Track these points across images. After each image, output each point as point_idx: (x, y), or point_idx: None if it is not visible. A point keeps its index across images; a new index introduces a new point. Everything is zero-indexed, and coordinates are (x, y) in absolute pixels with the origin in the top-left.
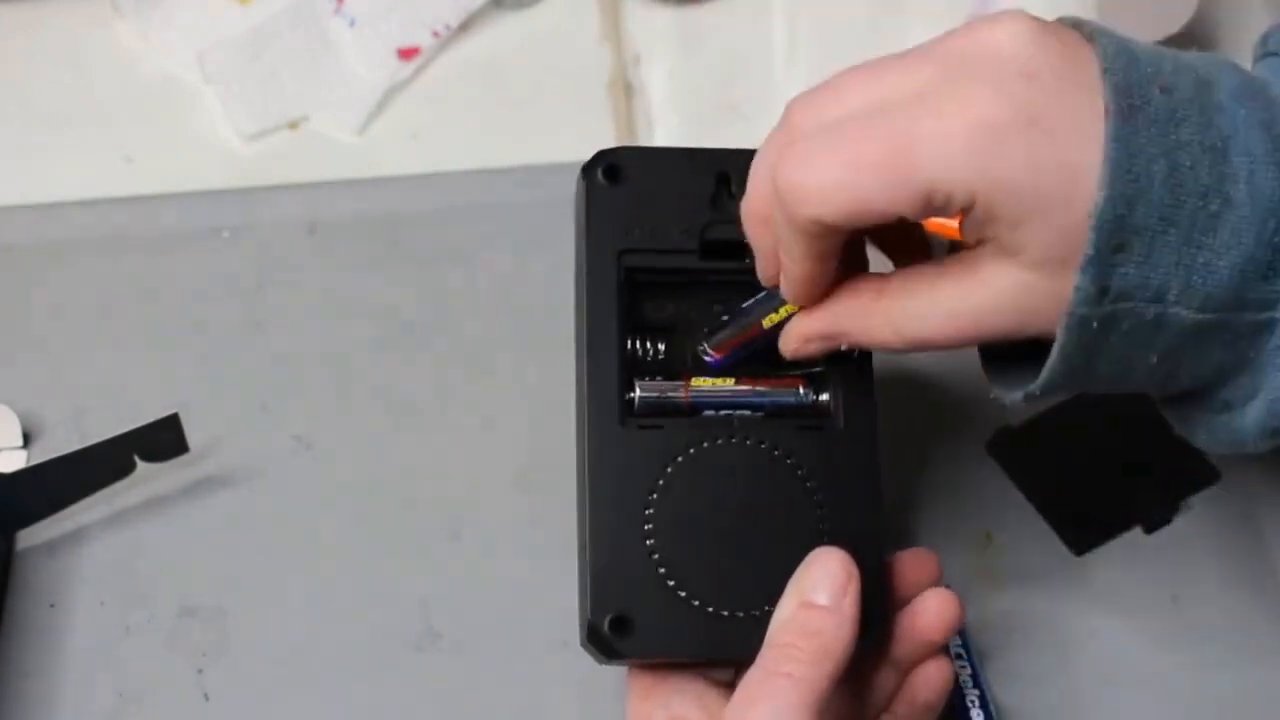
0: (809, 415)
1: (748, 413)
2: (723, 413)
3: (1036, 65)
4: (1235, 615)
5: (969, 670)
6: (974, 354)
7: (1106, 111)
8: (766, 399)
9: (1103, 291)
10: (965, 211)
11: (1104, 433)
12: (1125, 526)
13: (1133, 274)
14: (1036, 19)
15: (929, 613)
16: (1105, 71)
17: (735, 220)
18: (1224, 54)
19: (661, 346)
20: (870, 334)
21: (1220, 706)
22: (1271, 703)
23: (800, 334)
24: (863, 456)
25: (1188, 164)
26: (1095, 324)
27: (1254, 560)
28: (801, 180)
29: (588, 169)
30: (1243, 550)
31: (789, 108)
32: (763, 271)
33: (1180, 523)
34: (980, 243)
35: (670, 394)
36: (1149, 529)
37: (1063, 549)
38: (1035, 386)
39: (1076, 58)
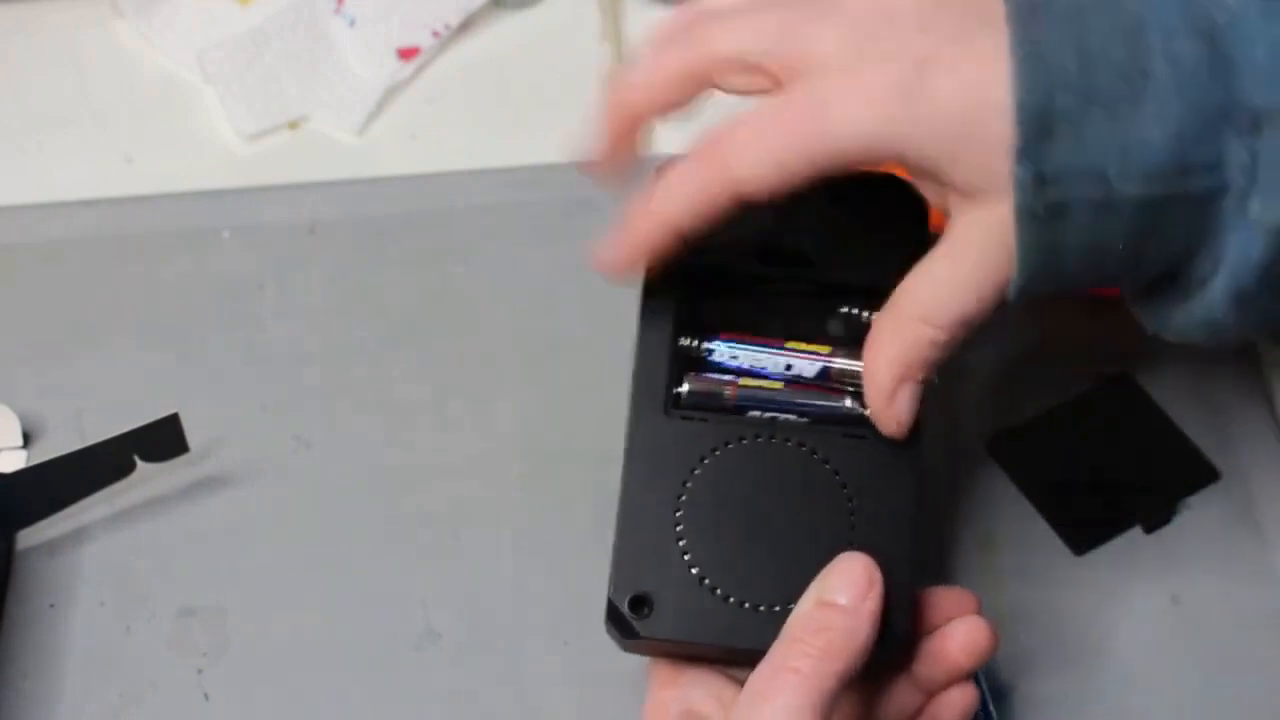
0: (855, 425)
1: (793, 417)
2: (768, 415)
3: (932, 17)
4: (1235, 615)
5: None
6: (971, 354)
7: (1008, 19)
8: (813, 405)
9: (1040, 179)
10: (910, 170)
11: (1104, 433)
12: (1125, 526)
13: (1065, 156)
14: None
15: (957, 639)
16: None
17: (798, 231)
18: None
19: (713, 346)
20: (920, 341)
21: (1220, 706)
22: (1272, 703)
23: (879, 393)
24: (904, 472)
25: (1098, 47)
26: (1042, 212)
27: (1254, 560)
28: (738, 165)
29: (661, 170)
30: (1243, 550)
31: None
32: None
33: (1180, 523)
34: (948, 212)
35: (717, 390)
36: (1149, 529)
37: (1063, 549)
38: (1012, 289)
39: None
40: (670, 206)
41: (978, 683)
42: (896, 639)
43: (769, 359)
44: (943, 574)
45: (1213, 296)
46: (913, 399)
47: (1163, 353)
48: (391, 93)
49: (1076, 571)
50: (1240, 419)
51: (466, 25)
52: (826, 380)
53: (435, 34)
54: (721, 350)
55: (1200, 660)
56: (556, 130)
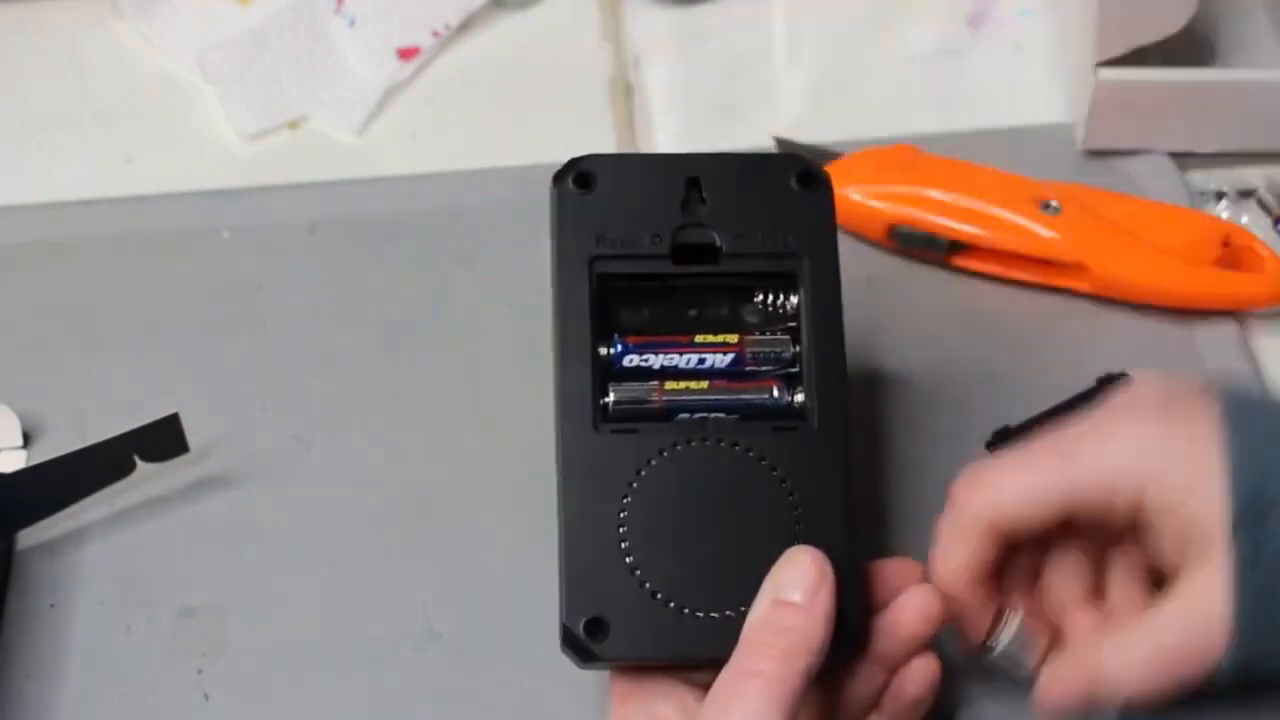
0: (784, 417)
1: (722, 415)
2: (697, 415)
3: (1168, 398)
4: None
5: None
6: (971, 354)
7: (1221, 415)
8: (740, 400)
9: (1255, 559)
10: (1137, 513)
11: None
12: None
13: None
14: (1165, 374)
15: (911, 609)
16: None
17: (706, 224)
18: (1223, 53)
19: (623, 352)
20: (1116, 669)
21: (1221, 707)
22: (1273, 704)
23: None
24: (836, 458)
25: None
26: (1255, 589)
27: None
28: (981, 494)
29: (559, 177)
30: None
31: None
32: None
33: None
34: (1176, 572)
35: (644, 397)
36: None
37: None
38: (1224, 665)
39: (1197, 397)
40: (954, 555)
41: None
42: (851, 628)
43: (680, 358)
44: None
45: None
46: (1081, 705)
47: (1163, 353)
48: (391, 93)
49: None
50: None
51: (466, 25)
52: (741, 367)
53: (435, 34)
54: (632, 356)
55: None
56: (556, 130)
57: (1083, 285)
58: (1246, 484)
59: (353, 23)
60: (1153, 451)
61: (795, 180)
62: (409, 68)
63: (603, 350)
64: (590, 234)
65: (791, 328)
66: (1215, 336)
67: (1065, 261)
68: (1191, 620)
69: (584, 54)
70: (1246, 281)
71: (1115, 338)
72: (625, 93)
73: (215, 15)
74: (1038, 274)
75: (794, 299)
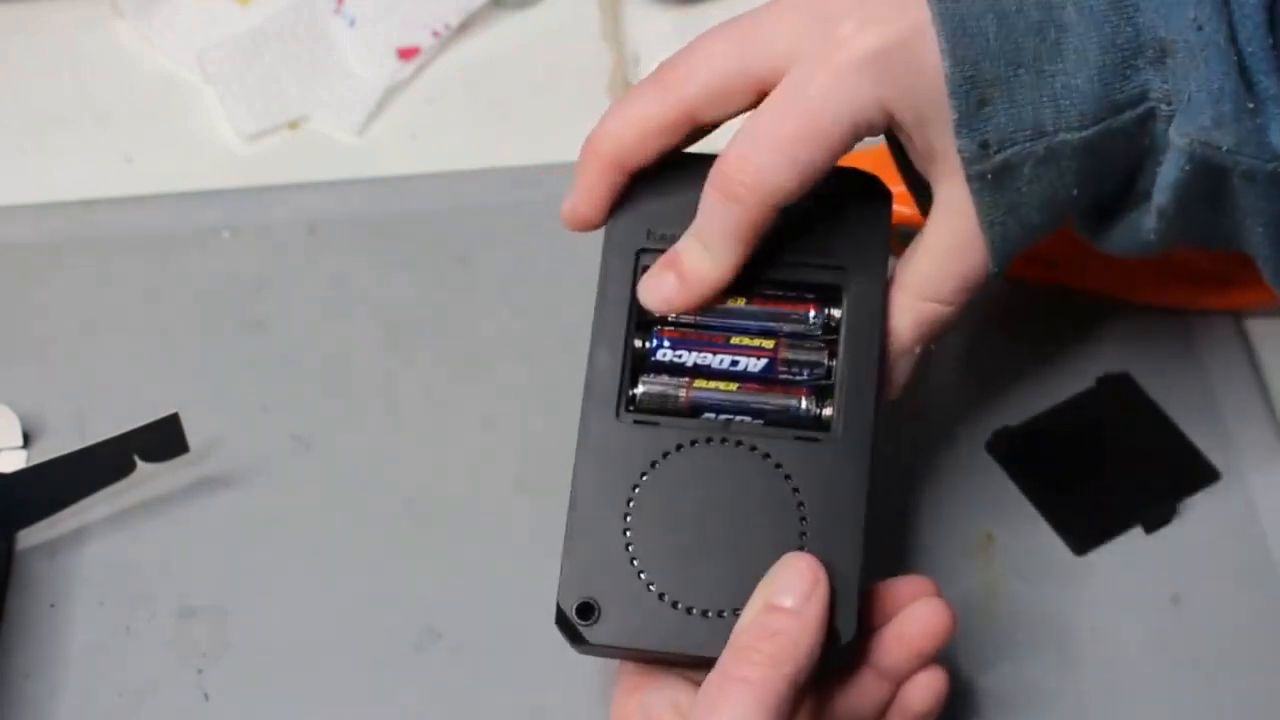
0: (809, 426)
1: (747, 419)
2: (722, 416)
3: None
4: (1235, 615)
5: None
6: (971, 354)
7: None
8: (768, 406)
9: (984, 146)
10: (907, 131)
11: (1104, 433)
12: (1125, 526)
13: (1003, 120)
14: None
15: (917, 622)
16: None
17: None
18: None
19: (657, 346)
20: (929, 318)
21: (1221, 707)
22: (1273, 703)
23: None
24: (855, 473)
25: (1014, 9)
26: (991, 175)
27: (1254, 560)
28: (755, 181)
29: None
30: (1243, 550)
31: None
32: (581, 208)
33: (1180, 523)
34: (932, 175)
35: (671, 392)
36: (1149, 529)
37: (1063, 549)
38: (993, 264)
39: None
40: (724, 258)
41: None
42: (843, 641)
43: (714, 357)
44: (942, 574)
45: (1143, 215)
46: (912, 365)
47: (1163, 353)
48: (391, 93)
49: (1076, 571)
50: (1240, 419)
51: (466, 25)
52: (773, 373)
53: (435, 34)
54: (666, 350)
55: (1200, 660)
56: (556, 130)
57: (1082, 284)
58: (960, 76)
59: (353, 23)
60: (892, 74)
61: (855, 192)
62: (409, 68)
63: (639, 343)
64: (641, 228)
65: (830, 339)
66: (1215, 336)
67: (1065, 260)
68: (952, 237)
69: (584, 54)
70: (1247, 282)
71: (1115, 338)
72: (625, 92)
73: (215, 15)
74: (1038, 273)
75: (836, 312)
